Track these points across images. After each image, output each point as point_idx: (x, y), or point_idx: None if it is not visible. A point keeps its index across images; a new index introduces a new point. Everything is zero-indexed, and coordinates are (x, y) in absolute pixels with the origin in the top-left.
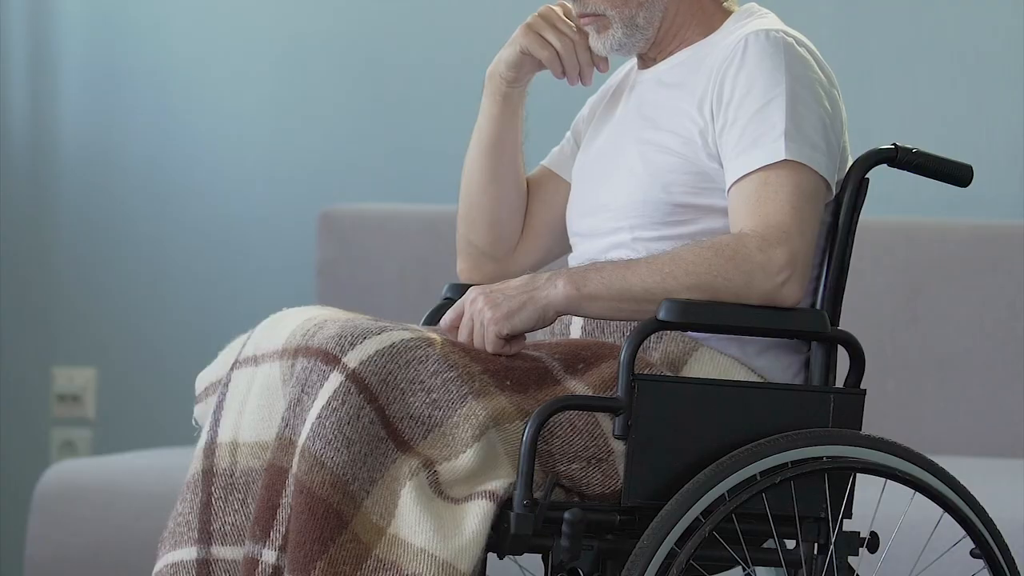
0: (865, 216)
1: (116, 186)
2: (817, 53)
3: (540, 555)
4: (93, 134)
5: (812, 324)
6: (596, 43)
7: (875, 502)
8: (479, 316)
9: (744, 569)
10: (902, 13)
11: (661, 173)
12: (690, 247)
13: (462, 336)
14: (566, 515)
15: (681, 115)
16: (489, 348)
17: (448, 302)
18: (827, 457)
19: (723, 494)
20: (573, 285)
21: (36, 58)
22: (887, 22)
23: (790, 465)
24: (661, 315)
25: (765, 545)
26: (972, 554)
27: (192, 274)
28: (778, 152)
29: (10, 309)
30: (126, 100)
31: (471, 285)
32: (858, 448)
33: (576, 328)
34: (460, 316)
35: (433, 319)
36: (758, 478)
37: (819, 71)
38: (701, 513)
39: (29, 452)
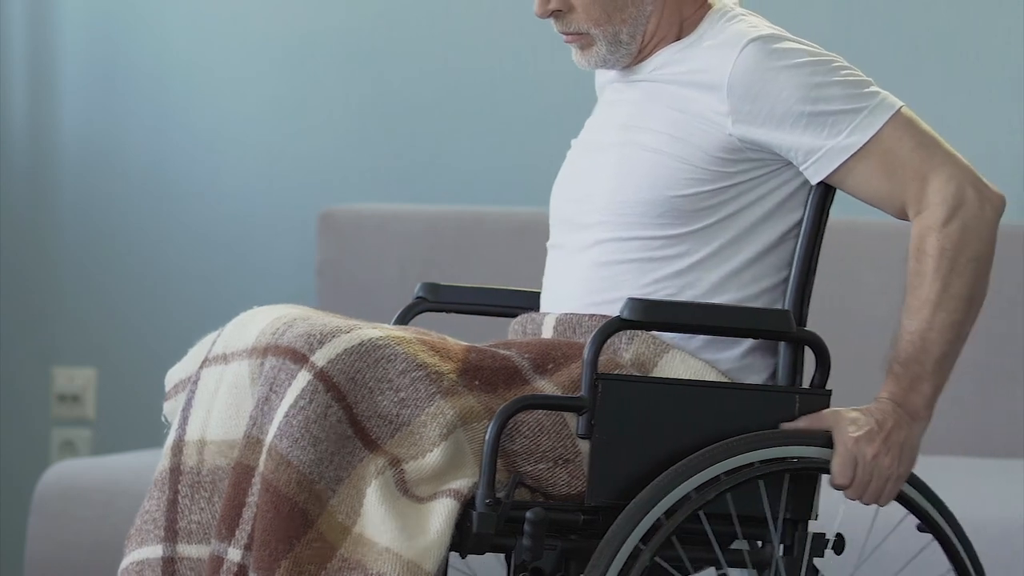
0: (865, 216)
1: (116, 186)
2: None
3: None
4: (93, 134)
5: (778, 324)
6: (580, 60)
7: (844, 504)
8: (884, 472)
9: (718, 569)
10: (902, 13)
11: (644, 173)
12: (926, 282)
13: (858, 493)
14: (528, 514)
15: (673, 118)
16: (884, 503)
17: (420, 301)
18: (794, 458)
19: (686, 494)
20: (927, 412)
21: (36, 58)
22: (887, 22)
23: (756, 465)
24: (625, 314)
25: (732, 546)
26: (919, 528)
27: (192, 274)
28: (871, 122)
29: (10, 309)
30: (126, 100)
31: (441, 285)
32: (820, 448)
33: (548, 328)
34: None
35: (404, 318)
36: (722, 478)
37: (815, 46)
38: (664, 513)
39: (29, 452)
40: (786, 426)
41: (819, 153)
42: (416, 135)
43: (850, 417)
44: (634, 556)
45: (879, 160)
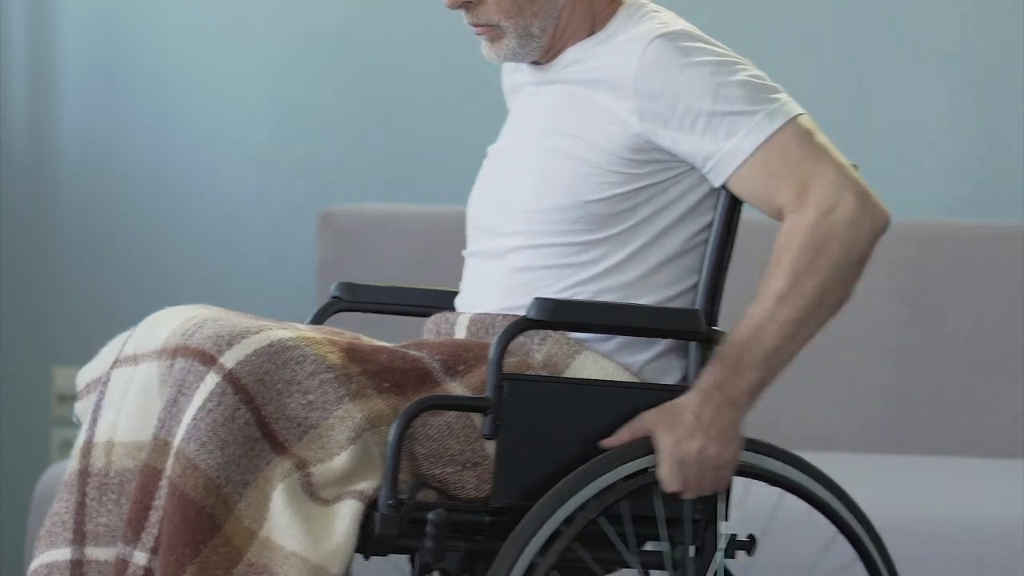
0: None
1: (116, 186)
2: (709, 37)
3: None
4: (93, 134)
5: (688, 324)
6: (489, 53)
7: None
8: (712, 462)
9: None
10: (902, 13)
11: (564, 180)
12: (778, 276)
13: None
14: (430, 516)
15: (587, 121)
16: (718, 489)
17: (336, 301)
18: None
19: (593, 495)
20: (748, 400)
21: (36, 58)
22: (887, 22)
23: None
24: (532, 314)
25: (648, 547)
26: (770, 482)
27: (192, 274)
28: (765, 126)
29: (10, 309)
30: (126, 100)
31: (357, 284)
32: (647, 458)
33: (461, 327)
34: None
35: (320, 318)
36: (628, 480)
37: (723, 47)
38: (569, 516)
39: (29, 452)
40: (607, 442)
41: (715, 158)
42: (416, 135)
43: (666, 417)
44: (538, 559)
45: (769, 163)
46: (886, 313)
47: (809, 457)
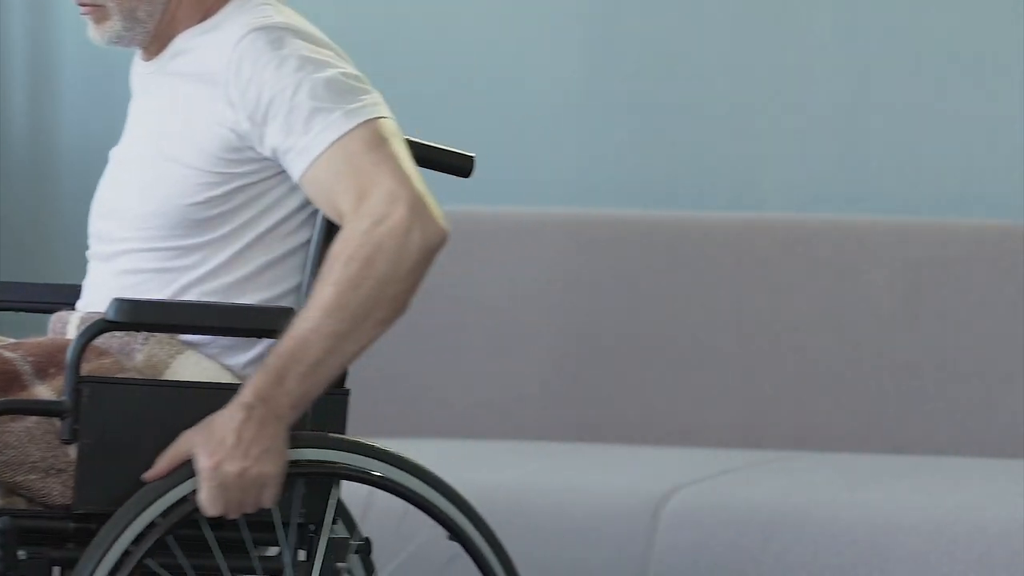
0: (865, 216)
1: None
2: (317, 33)
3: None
4: (93, 134)
5: (275, 323)
6: (94, 35)
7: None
8: (255, 482)
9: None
10: (902, 13)
11: (165, 184)
12: (325, 287)
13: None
14: None
15: (188, 120)
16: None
17: None
18: (302, 461)
19: (182, 499)
20: (292, 411)
21: (36, 58)
22: (887, 22)
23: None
24: (110, 315)
25: (270, 553)
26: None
27: None
28: (339, 125)
29: None
30: (126, 100)
31: (14, 283)
32: (327, 451)
33: (73, 327)
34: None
35: None
36: (174, 510)
37: (325, 46)
38: (152, 521)
39: None
40: (148, 475)
41: (291, 153)
42: (415, 134)
43: (205, 438)
44: (120, 567)
45: (335, 164)
46: (886, 313)
47: (809, 457)
